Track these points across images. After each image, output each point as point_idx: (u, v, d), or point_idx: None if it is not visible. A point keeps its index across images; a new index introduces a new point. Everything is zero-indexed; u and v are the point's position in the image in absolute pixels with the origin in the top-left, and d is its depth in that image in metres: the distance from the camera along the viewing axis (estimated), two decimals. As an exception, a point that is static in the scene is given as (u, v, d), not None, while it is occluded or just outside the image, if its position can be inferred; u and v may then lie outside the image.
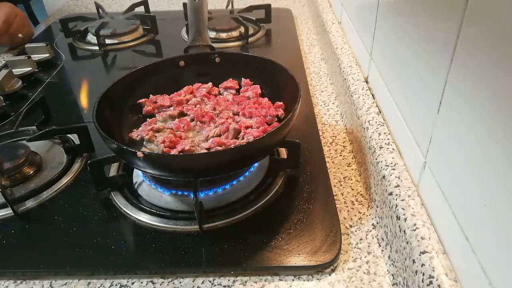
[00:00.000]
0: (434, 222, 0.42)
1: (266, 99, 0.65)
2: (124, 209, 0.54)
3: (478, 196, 0.33)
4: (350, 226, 0.53)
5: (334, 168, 0.63)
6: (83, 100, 0.84)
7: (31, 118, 0.70)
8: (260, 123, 0.59)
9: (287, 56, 0.98)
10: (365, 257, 0.48)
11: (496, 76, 0.30)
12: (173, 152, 0.55)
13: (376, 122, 0.58)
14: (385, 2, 0.59)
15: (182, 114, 0.65)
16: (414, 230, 0.41)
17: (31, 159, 0.62)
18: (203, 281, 0.46)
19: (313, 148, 0.64)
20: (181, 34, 1.11)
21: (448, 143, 0.38)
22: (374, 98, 0.64)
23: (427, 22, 0.44)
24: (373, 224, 0.53)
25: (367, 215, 0.54)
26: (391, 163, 0.50)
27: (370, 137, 0.56)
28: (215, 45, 0.74)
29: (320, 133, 0.69)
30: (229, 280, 0.46)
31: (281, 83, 0.63)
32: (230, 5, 1.22)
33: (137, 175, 0.59)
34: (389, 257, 0.47)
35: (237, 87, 0.70)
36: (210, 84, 0.70)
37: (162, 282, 0.47)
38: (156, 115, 0.64)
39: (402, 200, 0.45)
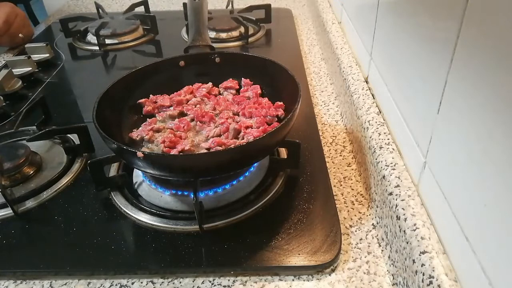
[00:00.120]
0: (434, 222, 0.42)
1: (266, 99, 0.65)
2: (124, 209, 0.54)
3: (478, 196, 0.33)
4: (350, 226, 0.53)
5: (334, 168, 0.63)
6: (83, 100, 0.84)
7: (31, 118, 0.70)
8: (260, 123, 0.59)
9: (287, 56, 0.98)
10: (365, 257, 0.48)
11: (496, 76, 0.30)
12: (173, 152, 0.55)
13: (376, 122, 0.58)
14: (385, 2, 0.59)
15: (182, 114, 0.65)
16: (414, 230, 0.41)
17: (31, 159, 0.62)
18: (203, 281, 0.46)
19: (313, 148, 0.64)
20: (181, 34, 1.11)
21: (448, 143, 0.38)
22: (374, 98, 0.64)
23: (427, 22, 0.44)
24: (373, 224, 0.53)
25: (367, 215, 0.54)
26: (391, 163, 0.50)
27: (370, 137, 0.56)
28: (215, 45, 0.74)
29: (320, 133, 0.69)
30: (229, 280, 0.46)
31: (281, 83, 0.63)
32: (230, 5, 1.22)
33: (137, 175, 0.59)
34: (389, 257, 0.47)
35: (237, 87, 0.70)
36: (210, 84, 0.70)
37: (162, 282, 0.47)
38: (156, 115, 0.65)
39: (402, 200, 0.45)
